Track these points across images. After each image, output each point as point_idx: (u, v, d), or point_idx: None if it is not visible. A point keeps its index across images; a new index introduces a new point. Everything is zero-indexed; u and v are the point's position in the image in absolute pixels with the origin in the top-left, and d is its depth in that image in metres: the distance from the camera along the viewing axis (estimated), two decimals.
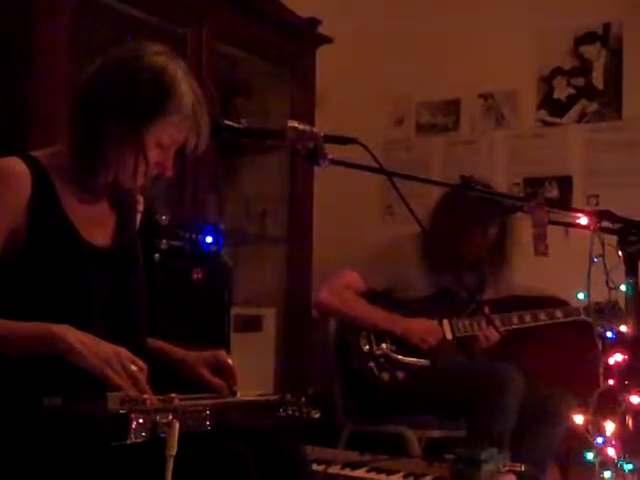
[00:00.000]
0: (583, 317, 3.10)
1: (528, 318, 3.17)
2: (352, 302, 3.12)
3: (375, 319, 3.10)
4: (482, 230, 3.13)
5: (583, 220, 2.00)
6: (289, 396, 1.80)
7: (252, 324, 3.60)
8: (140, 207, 1.99)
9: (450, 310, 3.16)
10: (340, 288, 3.14)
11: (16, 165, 1.73)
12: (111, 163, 1.76)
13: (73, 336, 1.60)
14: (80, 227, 1.78)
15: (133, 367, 1.60)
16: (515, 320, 3.14)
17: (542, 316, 3.19)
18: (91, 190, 1.80)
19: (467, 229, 3.12)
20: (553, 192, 4.02)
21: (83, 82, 1.78)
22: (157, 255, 2.81)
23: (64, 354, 1.59)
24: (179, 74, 1.77)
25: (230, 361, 1.89)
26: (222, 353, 1.91)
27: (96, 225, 1.83)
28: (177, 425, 1.49)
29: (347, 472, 2.46)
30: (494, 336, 3.10)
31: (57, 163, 1.78)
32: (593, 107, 3.98)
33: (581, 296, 2.84)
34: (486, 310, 3.13)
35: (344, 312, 3.14)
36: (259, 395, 1.87)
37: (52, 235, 1.73)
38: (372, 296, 3.14)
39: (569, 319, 3.17)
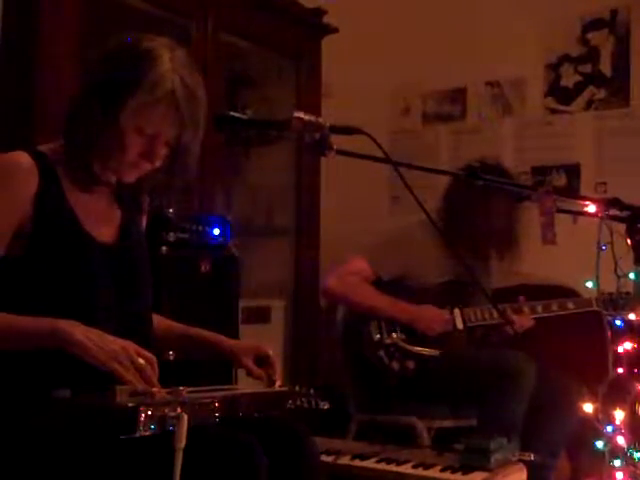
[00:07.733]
0: (595, 308, 3.07)
1: (540, 309, 3.14)
2: (358, 288, 3.10)
3: (380, 305, 3.08)
4: (495, 210, 3.09)
5: (591, 208, 1.99)
6: (298, 387, 1.81)
7: (260, 316, 3.60)
8: (145, 206, 1.98)
9: (462, 299, 3.15)
10: (347, 275, 3.12)
11: (23, 159, 1.74)
12: (95, 149, 1.75)
13: (79, 331, 1.60)
14: (85, 222, 1.78)
15: (141, 360, 1.60)
16: (527, 311, 3.12)
17: (554, 307, 3.16)
18: (88, 180, 1.79)
19: (481, 208, 3.08)
20: (561, 180, 4.00)
21: (81, 74, 1.80)
22: (165, 248, 2.81)
23: (71, 349, 1.59)
24: (164, 58, 1.73)
25: (271, 352, 1.95)
26: (264, 345, 1.98)
27: (101, 220, 1.83)
28: (186, 418, 1.49)
29: (356, 463, 2.45)
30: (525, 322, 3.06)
31: (62, 157, 1.78)
32: (601, 94, 3.96)
33: (590, 284, 2.83)
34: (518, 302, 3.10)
35: (350, 298, 3.12)
36: (268, 386, 1.88)
37: (57, 229, 1.74)
38: (381, 283, 3.13)
39: (581, 310, 3.15)
